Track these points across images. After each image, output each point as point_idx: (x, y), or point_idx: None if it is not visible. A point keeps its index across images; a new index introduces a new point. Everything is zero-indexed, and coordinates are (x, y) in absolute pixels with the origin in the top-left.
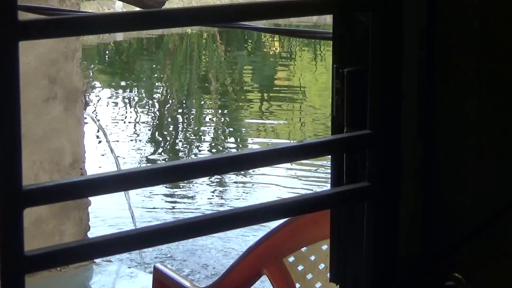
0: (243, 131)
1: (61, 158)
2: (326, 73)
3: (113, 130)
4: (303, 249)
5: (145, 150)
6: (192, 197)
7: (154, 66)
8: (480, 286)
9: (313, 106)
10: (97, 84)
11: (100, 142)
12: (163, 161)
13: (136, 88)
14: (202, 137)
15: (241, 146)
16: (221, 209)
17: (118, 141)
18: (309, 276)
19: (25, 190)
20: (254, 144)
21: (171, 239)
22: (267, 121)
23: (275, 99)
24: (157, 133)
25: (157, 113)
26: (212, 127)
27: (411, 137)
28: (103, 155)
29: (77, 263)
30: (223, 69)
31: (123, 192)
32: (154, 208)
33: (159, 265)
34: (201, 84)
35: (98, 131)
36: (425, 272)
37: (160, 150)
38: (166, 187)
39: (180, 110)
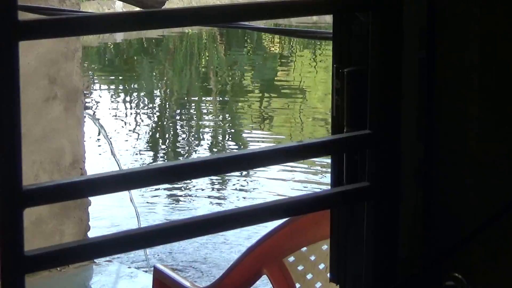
0: (243, 131)
1: (61, 158)
2: (326, 73)
3: (113, 130)
4: (303, 249)
5: (144, 150)
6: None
7: (154, 66)
8: (480, 286)
9: (313, 106)
10: (97, 84)
11: (98, 139)
12: (163, 161)
13: (136, 88)
14: (202, 137)
15: (240, 146)
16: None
17: (122, 149)
18: (309, 276)
19: (25, 190)
20: (254, 144)
21: (171, 239)
22: (267, 121)
23: (275, 99)
24: (157, 133)
25: (157, 113)
26: (212, 127)
27: (411, 137)
28: (100, 154)
29: (77, 263)
30: (223, 69)
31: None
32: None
33: (159, 265)
34: (201, 84)
35: (98, 133)
36: (425, 272)
37: (160, 150)
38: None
39: (180, 110)
